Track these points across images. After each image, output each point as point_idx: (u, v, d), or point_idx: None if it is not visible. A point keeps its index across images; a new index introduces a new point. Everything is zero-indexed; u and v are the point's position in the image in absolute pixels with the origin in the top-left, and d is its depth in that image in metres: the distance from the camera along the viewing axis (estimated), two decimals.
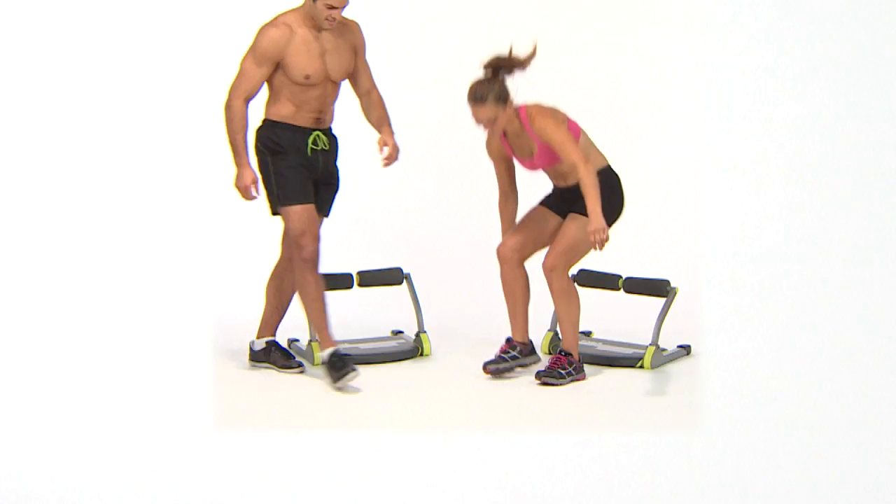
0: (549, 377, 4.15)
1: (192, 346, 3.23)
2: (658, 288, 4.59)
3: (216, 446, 3.22)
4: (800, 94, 3.14)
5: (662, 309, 4.56)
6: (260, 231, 4.67)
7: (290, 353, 4.51)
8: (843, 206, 3.12)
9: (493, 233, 4.77)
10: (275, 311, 4.50)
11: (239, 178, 4.31)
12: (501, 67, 4.18)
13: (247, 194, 4.32)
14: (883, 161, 3.11)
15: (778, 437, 3.13)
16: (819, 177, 3.13)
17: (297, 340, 4.78)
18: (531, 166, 4.36)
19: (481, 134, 4.30)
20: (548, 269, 4.22)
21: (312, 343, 4.57)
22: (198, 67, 3.23)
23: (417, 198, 5.80)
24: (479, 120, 4.18)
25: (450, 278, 4.46)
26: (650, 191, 6.18)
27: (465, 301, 5.31)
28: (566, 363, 4.19)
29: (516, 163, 4.38)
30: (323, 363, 4.24)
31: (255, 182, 4.31)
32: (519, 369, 4.30)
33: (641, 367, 4.46)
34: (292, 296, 4.44)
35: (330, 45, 4.32)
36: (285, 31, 4.25)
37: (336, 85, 4.38)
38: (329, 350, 4.23)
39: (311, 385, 4.25)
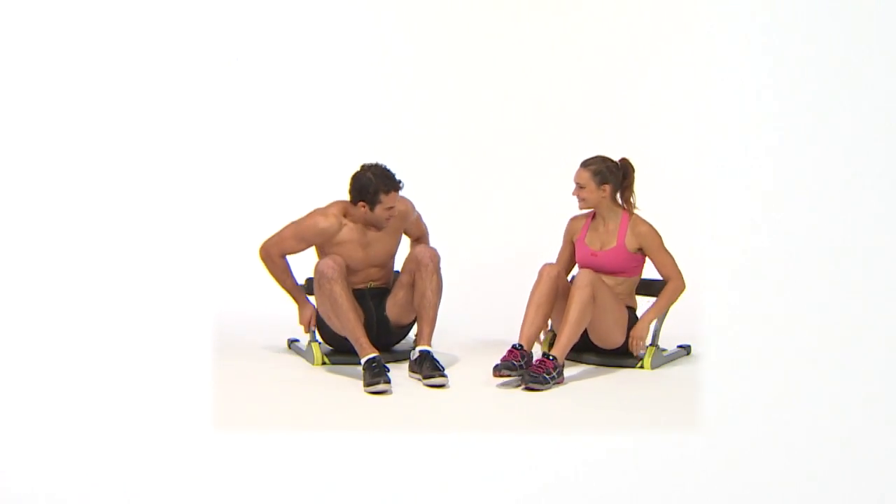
0: (534, 383, 4.12)
1: (192, 346, 3.23)
2: (658, 288, 4.59)
3: (215, 446, 3.22)
4: (800, 95, 3.14)
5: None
6: (260, 231, 4.67)
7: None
8: (843, 206, 3.12)
9: (494, 232, 4.78)
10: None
11: (300, 315, 4.56)
12: (629, 168, 4.55)
13: (306, 329, 4.55)
14: (884, 161, 3.11)
15: (778, 437, 3.13)
16: (820, 177, 3.13)
17: (296, 340, 4.78)
18: (591, 256, 4.51)
19: (485, 135, 4.29)
20: (583, 285, 4.26)
21: (312, 343, 4.57)
22: (199, 68, 3.23)
23: (421, 199, 5.80)
24: (575, 180, 4.50)
25: (451, 278, 4.45)
26: (650, 191, 6.19)
27: (467, 301, 5.31)
28: (551, 367, 4.16)
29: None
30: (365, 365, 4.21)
31: (313, 317, 4.52)
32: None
33: (641, 367, 4.46)
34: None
35: (374, 237, 4.50)
36: (334, 224, 4.44)
37: (379, 266, 4.56)
38: (370, 356, 4.19)
39: (310, 385, 4.25)
